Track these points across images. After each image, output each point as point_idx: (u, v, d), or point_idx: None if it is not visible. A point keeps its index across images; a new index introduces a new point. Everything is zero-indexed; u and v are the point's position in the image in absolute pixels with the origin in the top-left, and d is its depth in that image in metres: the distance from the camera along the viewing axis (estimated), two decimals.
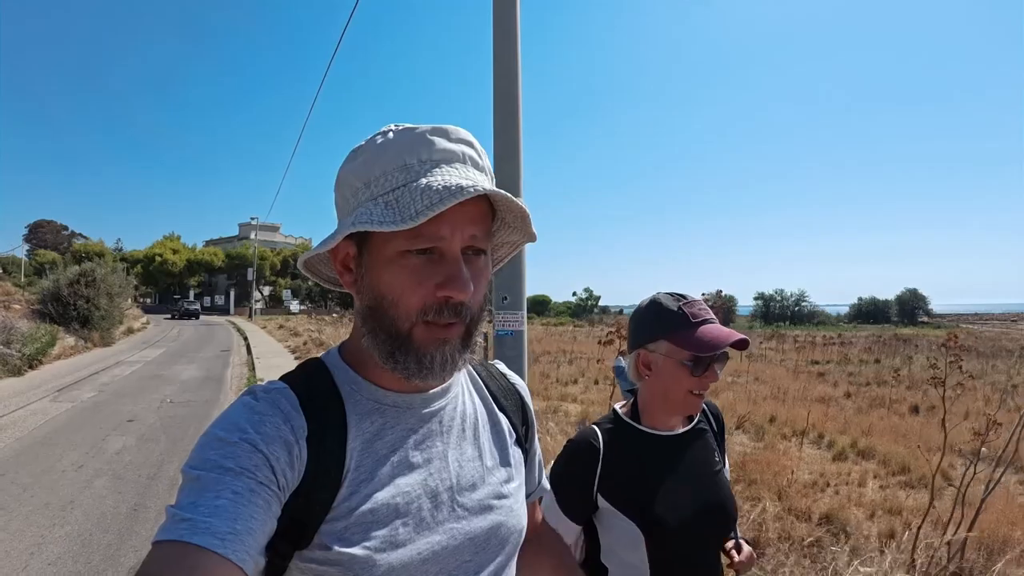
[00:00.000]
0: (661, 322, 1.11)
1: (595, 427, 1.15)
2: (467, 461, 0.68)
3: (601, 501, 1.08)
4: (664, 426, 1.15)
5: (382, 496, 0.59)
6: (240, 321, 31.77)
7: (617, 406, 1.21)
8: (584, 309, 61.49)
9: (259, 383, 0.62)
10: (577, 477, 1.09)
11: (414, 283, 0.58)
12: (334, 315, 32.42)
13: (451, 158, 0.60)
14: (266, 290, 50.49)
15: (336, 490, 0.58)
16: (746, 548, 1.20)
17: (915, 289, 61.40)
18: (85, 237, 61.49)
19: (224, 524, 0.47)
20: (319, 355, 0.69)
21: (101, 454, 5.26)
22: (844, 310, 68.92)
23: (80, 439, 5.80)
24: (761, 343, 22.15)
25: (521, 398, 0.82)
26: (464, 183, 0.55)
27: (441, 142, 0.59)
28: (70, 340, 14.51)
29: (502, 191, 0.57)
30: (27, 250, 49.94)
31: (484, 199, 0.60)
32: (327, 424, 0.59)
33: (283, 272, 52.44)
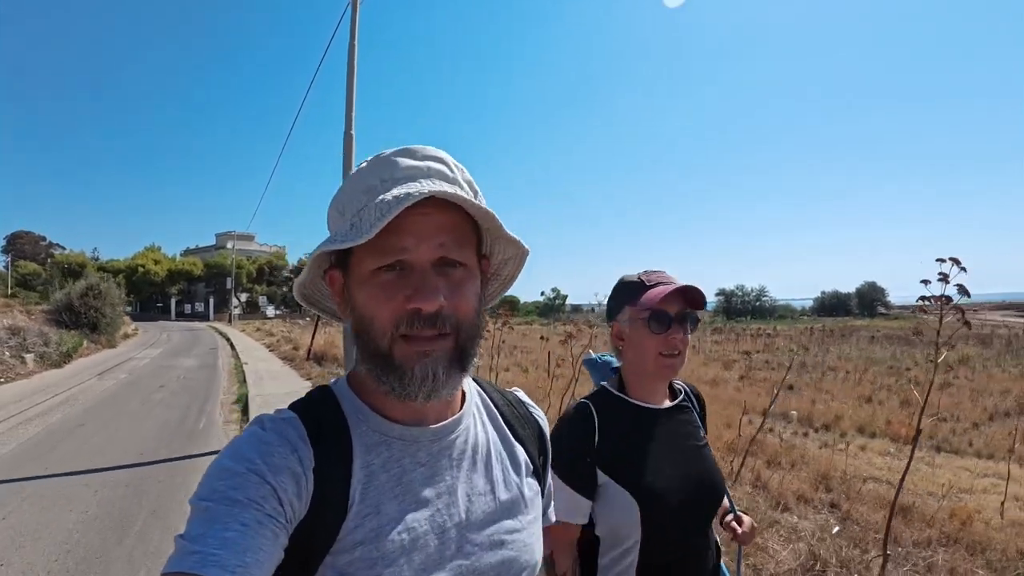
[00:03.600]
0: (624, 292, 1.19)
1: (586, 400, 1.17)
2: (477, 495, 0.67)
3: (598, 473, 1.09)
4: (650, 399, 1.18)
5: (387, 531, 0.59)
6: (220, 326, 34.95)
7: (604, 382, 1.24)
8: (551, 308, 64.58)
9: (268, 412, 0.63)
10: (577, 449, 1.09)
11: (385, 298, 0.58)
12: (307, 319, 35.63)
13: (415, 175, 0.60)
14: (243, 296, 53.37)
15: (341, 523, 0.58)
16: (746, 519, 1.22)
17: (874, 282, 63.14)
18: (63, 247, 63.37)
19: (234, 557, 0.48)
20: (329, 382, 0.69)
21: (151, 400, 8.92)
22: (809, 303, 70.91)
23: (134, 395, 9.45)
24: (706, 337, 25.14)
25: (540, 428, 0.81)
26: (412, 190, 0.55)
27: (405, 161, 0.60)
28: (84, 343, 17.86)
29: (451, 190, 0.57)
30: (5, 262, 51.66)
31: (458, 211, 0.60)
32: (333, 456, 0.60)
33: (259, 279, 55.44)
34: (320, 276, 0.67)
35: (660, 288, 1.13)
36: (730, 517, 1.24)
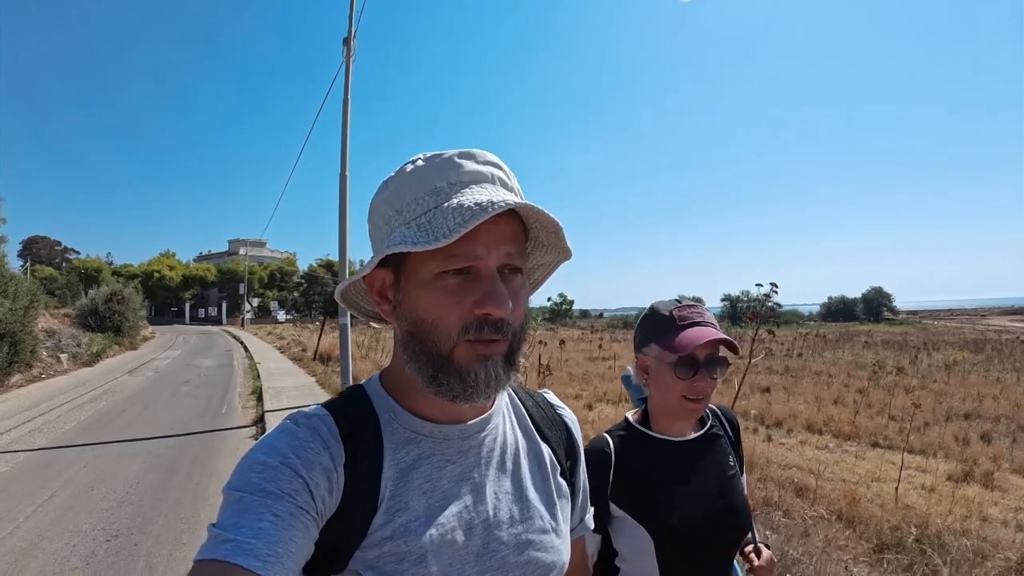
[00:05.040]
0: (653, 326, 1.14)
1: (607, 435, 1.17)
2: (505, 494, 0.68)
3: (613, 508, 1.10)
4: (674, 431, 1.16)
5: (415, 527, 0.60)
6: (233, 329, 36.41)
7: (629, 414, 1.23)
8: (558, 314, 65.51)
9: (301, 409, 0.64)
10: (590, 486, 1.04)
11: (452, 303, 0.58)
12: (316, 323, 36.70)
13: (480, 179, 0.61)
14: (255, 301, 54.85)
15: (371, 519, 0.59)
16: (765, 552, 1.19)
17: (880, 287, 64.32)
18: (77, 252, 65.14)
19: (266, 547, 0.49)
20: (362, 382, 0.70)
21: (179, 393, 10.22)
22: (816, 309, 71.28)
23: (163, 389, 10.76)
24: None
25: (568, 430, 0.81)
26: (495, 199, 0.56)
27: (469, 164, 0.61)
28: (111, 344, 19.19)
29: (533, 204, 0.58)
30: (23, 266, 52.97)
31: (516, 219, 0.61)
32: (363, 452, 0.61)
33: (270, 285, 56.94)
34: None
35: (694, 334, 1.09)
36: (749, 548, 1.22)
